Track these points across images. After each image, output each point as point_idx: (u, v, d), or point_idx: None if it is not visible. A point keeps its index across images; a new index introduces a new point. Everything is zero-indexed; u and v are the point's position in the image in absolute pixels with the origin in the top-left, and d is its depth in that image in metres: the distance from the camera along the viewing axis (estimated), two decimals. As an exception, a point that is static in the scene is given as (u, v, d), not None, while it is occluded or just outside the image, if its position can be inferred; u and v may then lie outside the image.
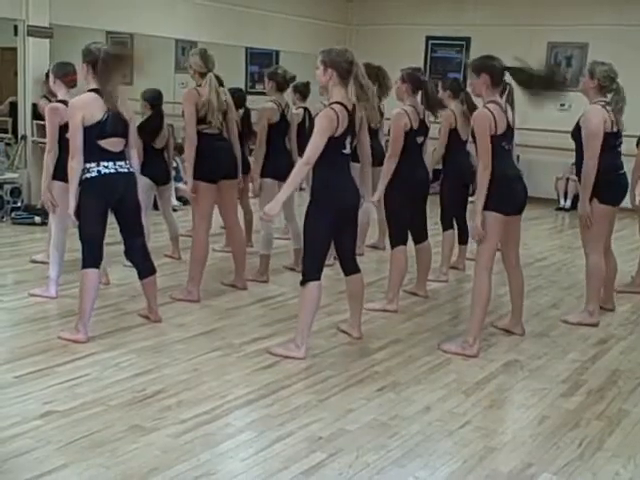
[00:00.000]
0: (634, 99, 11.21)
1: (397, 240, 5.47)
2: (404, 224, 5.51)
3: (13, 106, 9.43)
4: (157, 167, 6.55)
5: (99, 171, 4.50)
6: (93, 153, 4.50)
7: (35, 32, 8.59)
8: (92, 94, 4.51)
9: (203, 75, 5.42)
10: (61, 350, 4.42)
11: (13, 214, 8.15)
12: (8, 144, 9.40)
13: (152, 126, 6.52)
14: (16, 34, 8.79)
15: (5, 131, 9.62)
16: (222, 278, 6.15)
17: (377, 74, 6.37)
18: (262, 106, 6.23)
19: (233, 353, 4.54)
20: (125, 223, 4.79)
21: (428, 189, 5.74)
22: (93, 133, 4.48)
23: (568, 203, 11.10)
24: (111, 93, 4.53)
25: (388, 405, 3.91)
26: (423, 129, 5.51)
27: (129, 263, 5.91)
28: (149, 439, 3.39)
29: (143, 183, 6.36)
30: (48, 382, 3.96)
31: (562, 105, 11.13)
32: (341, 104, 4.32)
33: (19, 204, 8.31)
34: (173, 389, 3.95)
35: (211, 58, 5.47)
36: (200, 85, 5.40)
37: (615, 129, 5.29)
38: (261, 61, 13.88)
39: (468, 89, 5.73)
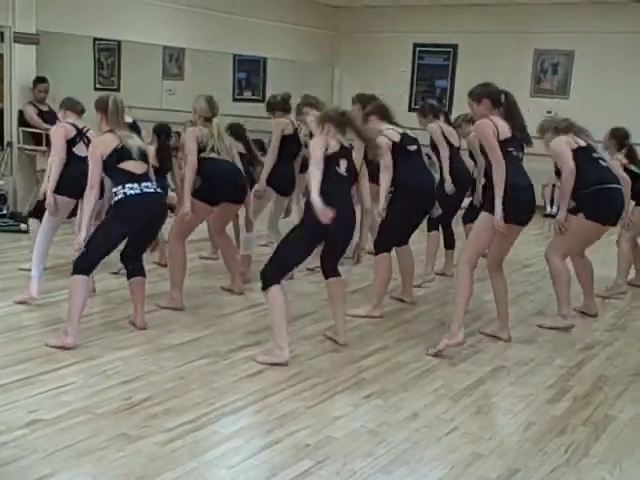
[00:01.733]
0: (618, 105, 11.36)
1: (383, 247, 5.50)
2: (395, 235, 5.56)
3: (-1, 112, 9.37)
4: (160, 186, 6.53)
5: (125, 193, 4.66)
6: (118, 178, 4.71)
7: (21, 38, 8.56)
8: (108, 134, 4.78)
9: (208, 120, 5.63)
10: (47, 358, 4.39)
11: (-1, 221, 8.11)
12: (-6, 151, 9.35)
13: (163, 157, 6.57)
14: (2, 40, 8.77)
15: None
16: (210, 285, 6.15)
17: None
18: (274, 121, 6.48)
19: (220, 360, 4.53)
20: (143, 240, 5.00)
21: (433, 201, 5.77)
22: (112, 160, 4.70)
23: (554, 209, 11.13)
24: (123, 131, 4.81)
25: (375, 412, 3.91)
26: (410, 139, 5.60)
27: (115, 271, 5.91)
28: (136, 447, 3.38)
29: None
30: (33, 390, 3.93)
31: (548, 112, 11.20)
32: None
33: (5, 211, 8.28)
34: (160, 397, 3.93)
35: (216, 104, 5.74)
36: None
37: (584, 143, 5.44)
38: (248, 68, 13.91)
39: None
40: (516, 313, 5.71)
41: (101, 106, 4.84)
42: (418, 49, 12.76)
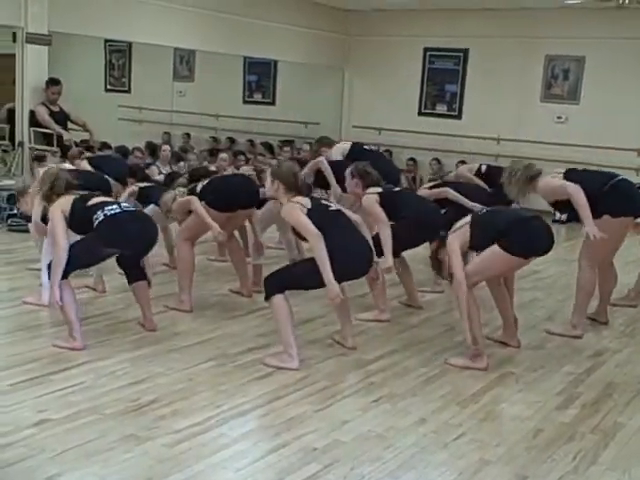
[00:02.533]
0: (629, 111, 11.33)
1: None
2: (396, 250, 5.46)
3: (11, 113, 9.42)
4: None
5: (105, 214, 4.59)
6: (93, 211, 4.61)
7: (34, 39, 8.60)
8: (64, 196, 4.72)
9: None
10: (55, 358, 4.40)
11: (9, 221, 8.13)
12: (5, 151, 9.40)
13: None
14: (14, 41, 8.81)
15: (2, 138, 9.61)
16: (219, 287, 6.15)
17: None
18: None
19: (228, 363, 4.53)
20: (130, 257, 4.88)
21: (441, 228, 5.39)
22: (79, 207, 4.65)
23: (564, 216, 11.09)
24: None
25: (383, 416, 3.90)
26: (393, 181, 5.94)
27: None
28: (143, 448, 3.38)
29: (156, 213, 6.24)
30: (42, 390, 3.94)
31: (559, 118, 11.19)
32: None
33: (15, 211, 8.29)
34: (168, 398, 3.94)
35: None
36: None
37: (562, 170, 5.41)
38: (259, 70, 13.92)
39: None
40: (525, 319, 5.69)
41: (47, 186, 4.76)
42: (428, 53, 12.76)
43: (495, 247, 4.59)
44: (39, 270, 5.56)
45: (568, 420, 4.00)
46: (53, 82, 8.75)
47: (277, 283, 4.49)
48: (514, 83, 11.72)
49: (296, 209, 4.44)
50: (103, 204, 4.67)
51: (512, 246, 4.58)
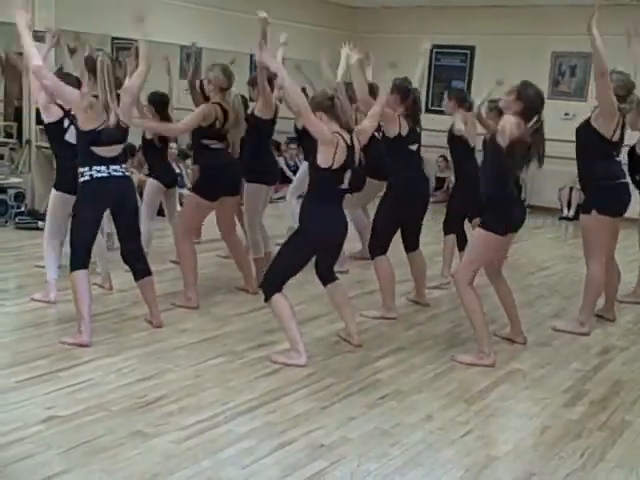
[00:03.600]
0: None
1: (377, 250, 5.42)
2: (388, 235, 5.45)
3: (18, 111, 9.45)
4: (166, 170, 6.75)
5: (91, 175, 4.55)
6: (86, 158, 4.57)
7: (41, 37, 8.60)
8: (93, 99, 4.51)
9: (224, 90, 5.52)
10: (63, 355, 4.42)
11: (17, 219, 8.16)
12: (13, 149, 9.42)
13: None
14: (22, 39, 8.82)
15: (10, 136, 9.64)
16: (226, 284, 6.16)
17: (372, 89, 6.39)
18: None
19: (236, 360, 4.53)
20: (122, 226, 4.86)
21: (427, 201, 5.74)
22: (87, 139, 4.55)
23: (571, 212, 11.09)
24: (108, 101, 4.51)
25: (390, 413, 3.91)
26: (414, 135, 5.46)
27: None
28: (151, 445, 3.39)
29: (152, 186, 6.49)
30: (50, 387, 3.96)
31: (566, 114, 11.15)
32: (339, 134, 4.35)
33: (23, 209, 8.32)
34: (175, 395, 3.95)
35: (233, 74, 5.65)
36: (218, 103, 5.47)
37: (616, 139, 5.23)
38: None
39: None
40: (532, 316, 5.69)
41: (90, 65, 4.58)
42: (435, 50, 12.71)
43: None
44: (43, 267, 5.58)
45: (575, 417, 3.99)
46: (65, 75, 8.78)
47: (272, 283, 4.48)
48: (521, 80, 11.69)
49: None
50: (98, 159, 4.53)
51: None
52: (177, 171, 8.71)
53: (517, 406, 4.13)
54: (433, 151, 12.42)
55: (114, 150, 4.63)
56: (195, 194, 5.57)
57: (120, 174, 4.65)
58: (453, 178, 6.94)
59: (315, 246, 4.52)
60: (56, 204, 5.38)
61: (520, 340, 5.09)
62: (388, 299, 5.50)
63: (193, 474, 3.17)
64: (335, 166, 4.33)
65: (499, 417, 3.98)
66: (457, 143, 6.54)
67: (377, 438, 3.61)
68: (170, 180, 6.72)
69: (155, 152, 6.61)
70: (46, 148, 8.80)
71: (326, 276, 4.83)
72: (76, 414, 3.65)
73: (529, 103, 4.48)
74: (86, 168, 4.56)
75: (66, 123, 5.34)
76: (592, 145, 5.24)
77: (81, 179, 4.59)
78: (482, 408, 4.04)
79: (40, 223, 7.95)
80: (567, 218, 11.15)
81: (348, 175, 4.42)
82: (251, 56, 13.52)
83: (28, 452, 3.26)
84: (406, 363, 4.67)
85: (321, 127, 4.30)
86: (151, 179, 6.66)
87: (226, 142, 5.59)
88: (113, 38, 13.71)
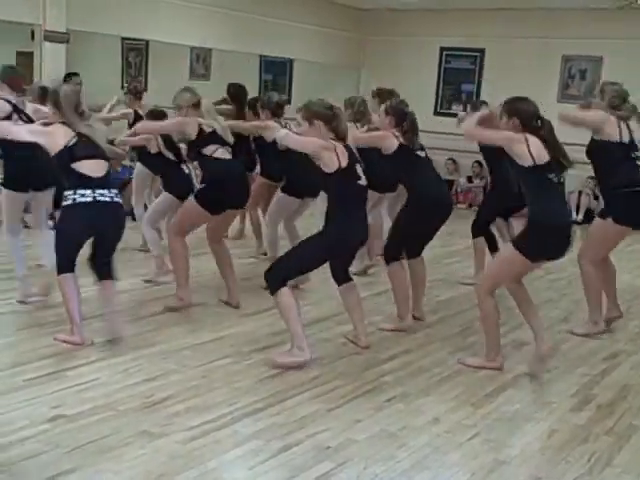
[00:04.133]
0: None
1: (393, 255, 5.24)
2: (405, 243, 5.28)
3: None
4: (182, 183, 6.26)
5: (74, 199, 4.34)
6: (71, 179, 4.38)
7: (52, 37, 8.64)
8: (57, 124, 4.42)
9: (196, 107, 5.29)
10: (70, 355, 4.42)
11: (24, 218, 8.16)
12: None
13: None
14: (33, 39, 8.86)
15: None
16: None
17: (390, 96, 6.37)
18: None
19: (242, 361, 4.53)
20: (99, 249, 4.60)
21: (450, 210, 5.39)
22: (63, 159, 4.35)
23: (580, 216, 11.06)
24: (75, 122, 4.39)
25: (397, 416, 3.90)
26: (418, 144, 5.25)
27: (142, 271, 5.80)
28: (157, 445, 3.39)
29: (169, 202, 6.11)
30: (57, 386, 3.96)
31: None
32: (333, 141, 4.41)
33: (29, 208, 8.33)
34: (181, 395, 3.95)
35: (194, 91, 5.42)
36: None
37: (626, 139, 5.14)
38: (275, 69, 13.94)
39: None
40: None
41: (52, 98, 4.43)
42: (445, 53, 12.74)
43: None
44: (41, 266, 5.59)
45: (582, 422, 3.98)
46: (73, 74, 8.81)
47: (278, 276, 4.45)
48: (530, 83, 11.64)
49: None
50: (83, 180, 4.33)
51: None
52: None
53: (524, 410, 4.12)
54: (441, 153, 12.41)
55: (99, 168, 4.41)
56: (198, 204, 5.31)
57: (107, 199, 4.40)
58: (488, 182, 6.97)
59: (335, 250, 4.52)
60: (6, 203, 5.34)
61: (545, 352, 4.61)
62: (404, 308, 5.30)
63: (199, 475, 3.17)
64: (343, 164, 4.35)
65: (506, 421, 3.96)
66: (489, 147, 6.47)
67: (383, 441, 3.60)
68: (186, 192, 5.99)
69: (166, 165, 6.28)
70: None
71: (341, 276, 4.82)
72: (82, 413, 3.65)
73: (523, 113, 4.24)
74: (70, 192, 4.36)
75: (14, 118, 5.12)
76: (607, 153, 5.16)
77: (64, 202, 4.39)
78: (489, 412, 4.03)
79: (48, 222, 7.99)
80: (576, 222, 11.11)
81: (360, 169, 4.46)
82: (260, 57, 13.59)
83: (34, 451, 3.27)
84: (413, 366, 4.66)
85: (309, 140, 4.36)
86: (167, 194, 6.20)
87: (231, 149, 5.36)
88: (123, 38, 13.80)
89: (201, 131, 5.22)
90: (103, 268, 4.64)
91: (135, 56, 14.83)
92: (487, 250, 6.69)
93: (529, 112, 4.25)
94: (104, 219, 4.44)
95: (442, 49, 12.71)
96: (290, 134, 4.63)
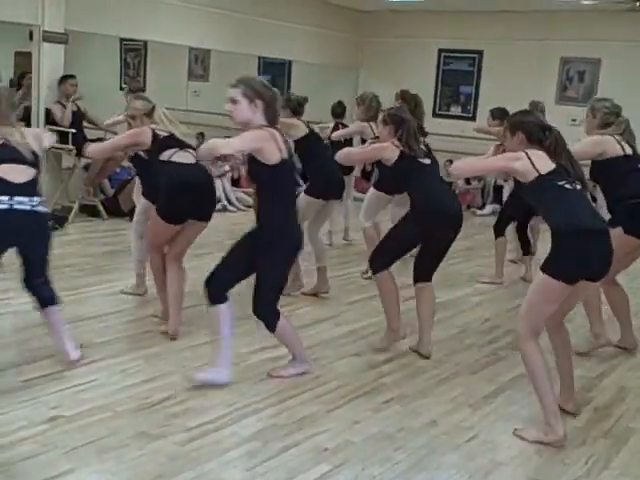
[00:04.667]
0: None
1: (382, 264, 4.84)
2: (398, 255, 4.90)
3: (27, 111, 9.47)
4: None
5: None
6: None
7: (50, 37, 8.63)
8: None
9: (150, 115, 4.95)
10: (69, 355, 4.42)
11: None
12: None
13: None
14: (31, 39, 8.85)
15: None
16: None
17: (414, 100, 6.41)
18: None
19: (240, 362, 4.53)
20: (26, 262, 4.12)
21: (458, 222, 4.84)
22: None
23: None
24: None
25: (395, 417, 3.90)
26: (421, 151, 4.90)
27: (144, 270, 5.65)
28: (155, 446, 3.40)
29: (146, 207, 5.42)
30: (55, 387, 3.97)
31: (573, 120, 11.14)
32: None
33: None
34: (180, 396, 3.95)
35: (146, 98, 5.11)
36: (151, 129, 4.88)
37: (629, 152, 4.92)
38: (273, 70, 13.95)
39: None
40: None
41: None
42: (443, 54, 12.75)
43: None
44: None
45: (580, 424, 3.98)
46: (70, 76, 8.82)
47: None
48: (529, 85, 11.67)
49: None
50: (2, 185, 3.90)
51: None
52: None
53: (522, 412, 4.13)
54: (439, 155, 12.38)
55: (22, 174, 4.00)
56: (157, 213, 4.85)
57: (27, 207, 3.95)
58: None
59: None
60: None
61: (570, 409, 4.07)
62: (395, 321, 4.93)
63: (197, 476, 3.18)
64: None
65: (504, 422, 3.97)
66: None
67: (381, 442, 3.60)
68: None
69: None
70: (55, 148, 8.84)
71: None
72: (81, 414, 3.66)
73: (527, 126, 3.81)
74: None
75: None
76: (612, 170, 4.92)
77: None
78: (487, 413, 4.04)
79: (48, 223, 7.99)
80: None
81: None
82: (259, 58, 13.59)
83: (33, 451, 3.27)
84: (411, 367, 4.66)
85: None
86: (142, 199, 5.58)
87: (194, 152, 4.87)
88: (122, 39, 13.80)
89: (155, 137, 4.84)
90: (42, 292, 4.16)
91: (134, 57, 14.83)
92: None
93: (533, 124, 3.83)
94: (20, 229, 3.98)
95: (440, 51, 12.72)
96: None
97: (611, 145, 4.92)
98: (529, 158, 3.67)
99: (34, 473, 3.11)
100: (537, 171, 3.65)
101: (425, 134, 5.62)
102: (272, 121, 3.96)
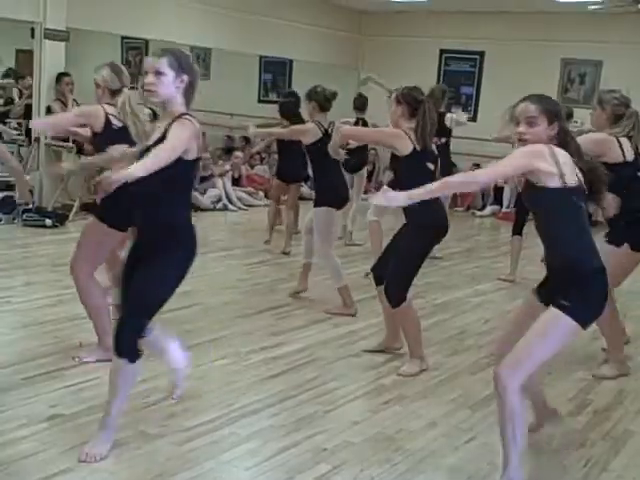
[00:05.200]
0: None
1: (399, 294, 4.49)
2: (411, 276, 4.52)
3: (27, 108, 9.48)
4: None
5: None
6: None
7: (51, 35, 8.64)
8: None
9: (115, 94, 4.31)
10: (68, 354, 4.41)
11: (24, 216, 8.17)
12: (21, 146, 9.45)
13: None
14: (32, 36, 8.86)
15: (19, 133, 9.66)
16: (232, 285, 6.14)
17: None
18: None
19: (240, 361, 4.54)
20: None
21: (446, 234, 4.62)
22: None
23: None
24: None
25: (394, 418, 3.90)
26: (430, 154, 4.50)
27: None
28: (154, 445, 3.40)
29: None
30: (55, 385, 3.97)
31: (575, 122, 11.14)
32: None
33: (30, 206, 8.34)
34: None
35: (125, 73, 4.45)
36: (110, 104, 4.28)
37: (630, 158, 4.57)
38: (274, 69, 13.95)
39: None
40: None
41: None
42: (445, 55, 12.75)
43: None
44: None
45: (579, 427, 3.99)
46: (64, 74, 8.82)
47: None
48: (530, 86, 11.59)
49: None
50: None
51: None
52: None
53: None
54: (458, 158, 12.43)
55: None
56: (98, 220, 4.30)
57: None
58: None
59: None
60: None
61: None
62: (418, 348, 4.63)
63: (195, 475, 3.17)
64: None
65: (503, 424, 3.97)
66: None
67: (380, 443, 3.60)
68: None
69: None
70: (55, 146, 8.86)
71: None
72: (80, 413, 3.66)
73: (557, 107, 3.30)
74: None
75: None
76: (613, 179, 4.54)
77: None
78: (486, 415, 4.03)
79: (47, 220, 8.01)
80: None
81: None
82: (260, 57, 13.59)
83: (32, 449, 3.27)
84: (410, 368, 4.66)
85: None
86: None
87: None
88: (123, 37, 13.78)
89: (108, 124, 4.25)
90: None
91: (135, 55, 14.81)
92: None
93: (564, 112, 3.33)
94: None
95: (442, 51, 12.73)
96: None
97: (612, 149, 4.53)
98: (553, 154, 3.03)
99: (33, 471, 3.11)
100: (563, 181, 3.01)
101: (449, 132, 5.58)
102: (188, 104, 3.32)
